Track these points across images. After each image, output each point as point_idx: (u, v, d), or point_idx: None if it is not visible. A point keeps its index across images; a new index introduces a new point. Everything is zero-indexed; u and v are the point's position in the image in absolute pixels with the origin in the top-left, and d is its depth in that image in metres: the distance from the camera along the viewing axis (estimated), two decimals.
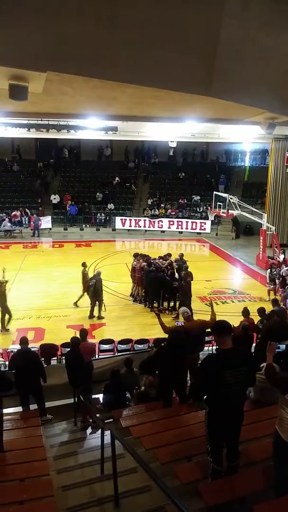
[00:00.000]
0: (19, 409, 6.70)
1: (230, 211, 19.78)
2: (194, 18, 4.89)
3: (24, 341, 7.15)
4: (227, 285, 15.73)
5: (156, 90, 6.60)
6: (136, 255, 14.02)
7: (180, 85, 5.84)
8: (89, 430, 6.54)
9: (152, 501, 3.98)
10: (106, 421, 6.02)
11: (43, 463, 4.70)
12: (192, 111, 10.07)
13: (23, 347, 7.09)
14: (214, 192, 22.00)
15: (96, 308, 12.25)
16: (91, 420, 6.59)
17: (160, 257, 14.06)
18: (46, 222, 24.79)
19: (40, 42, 4.77)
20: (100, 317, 12.20)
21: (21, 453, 4.89)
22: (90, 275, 12.84)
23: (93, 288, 12.03)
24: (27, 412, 6.56)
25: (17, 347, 7.78)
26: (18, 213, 24.63)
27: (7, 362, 8.20)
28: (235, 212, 19.69)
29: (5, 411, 6.28)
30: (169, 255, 14.17)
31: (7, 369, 7.80)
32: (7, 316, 11.33)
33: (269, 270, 14.37)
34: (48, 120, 13.77)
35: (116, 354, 9.26)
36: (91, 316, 12.17)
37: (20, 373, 6.66)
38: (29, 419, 6.08)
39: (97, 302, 12.20)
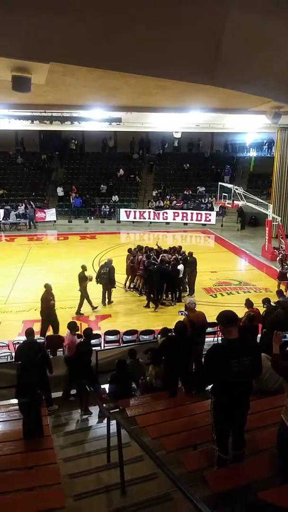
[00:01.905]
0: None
1: (235, 202, 19.70)
2: (198, 6, 4.82)
3: (30, 333, 7.22)
4: (233, 276, 15.71)
5: (160, 80, 6.54)
6: (139, 249, 14.10)
7: (184, 75, 5.78)
8: (94, 419, 6.61)
9: (158, 489, 4.03)
10: (112, 410, 6.08)
11: (50, 451, 4.77)
12: (197, 101, 9.98)
13: (29, 338, 7.15)
14: (220, 183, 21.89)
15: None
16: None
17: (170, 248, 14.23)
18: (50, 214, 24.84)
19: (43, 33, 4.74)
20: (110, 302, 12.50)
21: (29, 442, 4.96)
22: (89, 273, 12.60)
23: (106, 276, 12.24)
24: None
25: (23, 338, 7.85)
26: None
27: (13, 353, 8.28)
28: (240, 203, 19.59)
29: (12, 401, 6.39)
30: (180, 247, 14.20)
31: (13, 360, 7.88)
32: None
33: (280, 264, 14.07)
34: (52, 112, 13.72)
35: (121, 345, 9.32)
36: (103, 301, 12.42)
37: (26, 364, 6.71)
38: None
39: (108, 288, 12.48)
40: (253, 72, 5.93)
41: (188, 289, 13.47)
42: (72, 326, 7.81)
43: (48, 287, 10.32)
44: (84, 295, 11.93)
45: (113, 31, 4.93)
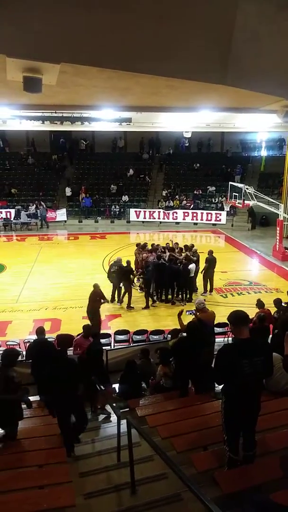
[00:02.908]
0: (36, 398, 6.81)
1: (246, 201, 19.56)
2: (209, 2, 4.80)
3: (40, 331, 7.26)
4: (243, 276, 15.62)
5: (170, 79, 6.51)
6: (142, 247, 14.15)
7: (194, 74, 5.74)
8: (105, 418, 6.63)
9: (168, 489, 4.02)
10: (122, 410, 6.09)
11: (60, 450, 4.79)
12: (207, 100, 9.92)
13: (40, 337, 7.19)
14: (230, 183, 21.76)
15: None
16: (99, 407, 6.76)
17: (185, 246, 14.33)
18: (61, 214, 24.97)
19: (53, 33, 4.75)
20: (121, 301, 12.51)
21: (39, 440, 5.01)
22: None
23: (114, 274, 12.36)
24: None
25: (34, 337, 7.90)
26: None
27: (24, 352, 8.33)
28: (251, 203, 19.46)
29: None
30: (192, 245, 14.24)
31: (24, 358, 7.93)
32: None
33: None
34: (62, 113, 13.78)
35: (131, 344, 9.33)
36: (112, 300, 12.44)
37: (37, 362, 6.76)
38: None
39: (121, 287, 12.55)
40: (264, 69, 5.86)
41: (204, 288, 13.47)
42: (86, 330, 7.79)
43: (96, 287, 10.51)
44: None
45: (124, 30, 4.93)
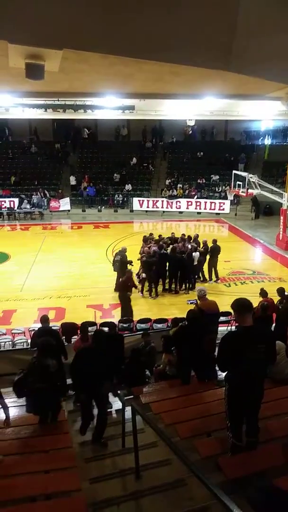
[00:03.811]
0: None
1: (249, 190, 19.44)
2: None
3: (45, 320, 7.30)
4: (246, 265, 15.60)
5: (174, 66, 6.44)
6: (145, 240, 14.11)
7: (198, 60, 5.66)
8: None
9: (172, 474, 4.07)
10: (126, 397, 6.14)
11: (66, 436, 4.86)
12: (211, 86, 9.82)
13: (44, 325, 7.24)
14: (234, 171, 21.60)
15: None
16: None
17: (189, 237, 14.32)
18: (65, 204, 24.92)
19: (56, 19, 4.69)
20: None
21: (45, 426, 5.06)
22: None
23: (118, 263, 12.43)
24: None
25: (38, 325, 7.95)
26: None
27: (29, 340, 8.41)
28: (254, 192, 19.34)
29: None
30: (197, 235, 14.27)
31: (29, 347, 8.01)
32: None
33: None
34: (65, 100, 13.69)
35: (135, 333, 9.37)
36: (116, 289, 12.43)
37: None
38: None
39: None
40: (269, 56, 5.77)
41: (209, 277, 13.58)
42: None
43: (128, 273, 10.74)
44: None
45: (127, 16, 4.85)
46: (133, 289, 11.30)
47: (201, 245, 13.65)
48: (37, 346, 5.63)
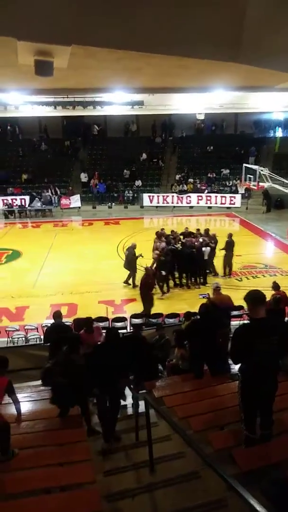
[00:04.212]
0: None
1: (260, 183, 19.28)
2: None
3: (57, 315, 7.37)
4: (258, 259, 15.49)
5: (182, 59, 6.39)
6: (159, 236, 14.06)
7: (207, 52, 5.63)
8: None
9: (186, 467, 4.09)
10: (139, 392, 6.17)
11: (80, 430, 4.91)
12: (220, 79, 9.72)
13: (57, 321, 7.30)
14: (244, 164, 21.41)
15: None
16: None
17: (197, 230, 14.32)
18: (75, 201, 25.01)
19: (64, 15, 4.70)
20: (135, 286, 12.52)
21: (59, 420, 5.12)
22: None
23: (126, 260, 12.65)
24: None
25: (51, 321, 8.02)
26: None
27: (42, 336, 8.49)
28: (266, 185, 19.19)
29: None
30: (207, 230, 14.28)
31: (42, 342, 8.09)
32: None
33: None
34: (74, 97, 13.70)
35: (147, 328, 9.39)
36: (126, 281, 12.80)
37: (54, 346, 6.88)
38: None
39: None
40: (278, 47, 5.70)
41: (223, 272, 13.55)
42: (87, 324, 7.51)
43: (148, 271, 10.85)
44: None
45: (135, 10, 4.84)
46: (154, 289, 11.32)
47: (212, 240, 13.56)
48: (67, 341, 5.73)
